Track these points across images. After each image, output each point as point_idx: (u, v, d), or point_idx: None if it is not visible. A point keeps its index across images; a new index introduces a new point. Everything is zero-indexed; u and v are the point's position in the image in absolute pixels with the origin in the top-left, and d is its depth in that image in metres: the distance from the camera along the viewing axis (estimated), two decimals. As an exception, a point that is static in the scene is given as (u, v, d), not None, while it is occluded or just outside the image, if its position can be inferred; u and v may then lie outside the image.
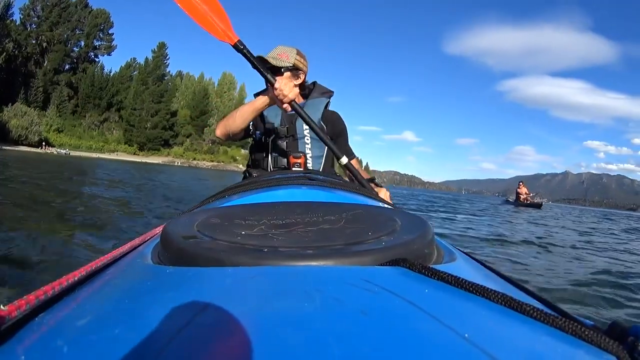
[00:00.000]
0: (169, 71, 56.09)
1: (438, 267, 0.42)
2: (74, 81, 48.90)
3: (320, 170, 1.67)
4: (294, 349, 0.27)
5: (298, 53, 1.64)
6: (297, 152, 1.58)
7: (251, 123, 1.64)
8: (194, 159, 55.57)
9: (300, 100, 1.69)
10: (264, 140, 1.69)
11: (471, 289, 0.38)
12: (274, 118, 1.68)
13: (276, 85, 1.34)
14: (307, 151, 1.66)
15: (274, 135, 1.65)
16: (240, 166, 58.53)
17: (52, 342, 0.32)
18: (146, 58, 53.54)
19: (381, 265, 0.43)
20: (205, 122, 59.11)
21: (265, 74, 1.36)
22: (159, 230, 0.72)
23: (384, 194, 1.39)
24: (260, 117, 1.67)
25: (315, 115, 1.63)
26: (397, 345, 0.27)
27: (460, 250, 0.68)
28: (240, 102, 64.03)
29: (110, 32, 52.64)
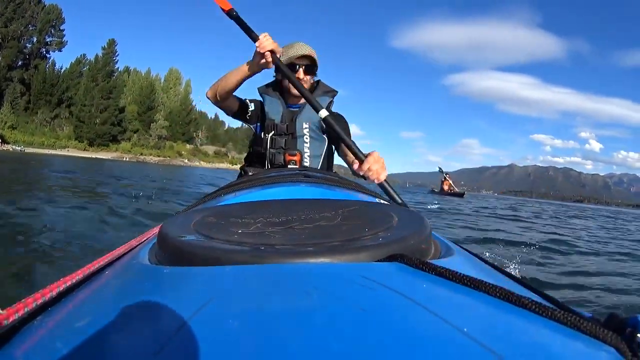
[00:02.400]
0: (117, 67, 61.93)
1: (435, 262, 0.44)
2: (26, 77, 53.21)
3: (318, 169, 1.74)
4: (294, 347, 0.28)
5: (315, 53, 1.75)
6: (293, 149, 1.69)
7: (250, 109, 1.77)
8: (142, 154, 61.93)
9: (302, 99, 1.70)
10: (263, 136, 1.76)
11: (469, 283, 0.39)
12: (275, 114, 1.76)
13: (260, 39, 1.49)
14: (306, 150, 1.74)
15: (273, 132, 1.73)
16: (186, 160, 66.38)
17: (50, 345, 0.34)
18: (96, 55, 58.90)
19: (379, 261, 0.45)
20: (152, 118, 65.53)
21: (249, 31, 1.54)
22: (155, 230, 0.75)
23: (374, 157, 1.32)
24: (261, 112, 1.79)
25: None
26: (398, 340, 0.29)
27: (458, 245, 0.72)
28: (186, 98, 71.71)
29: (61, 28, 57.39)
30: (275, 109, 1.77)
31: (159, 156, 64.08)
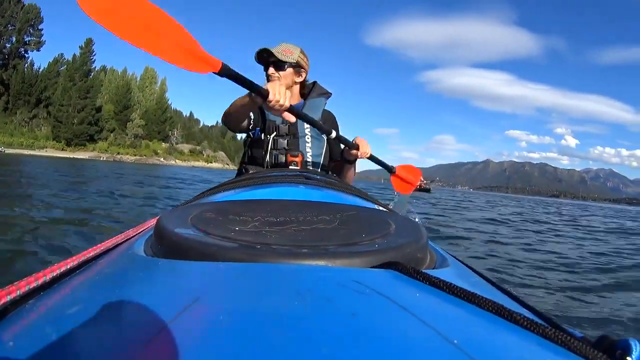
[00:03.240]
0: (95, 67, 64.33)
1: (430, 272, 0.45)
2: (5, 78, 55.15)
3: (319, 168, 1.82)
4: (282, 348, 0.28)
5: (302, 52, 1.80)
6: (295, 150, 1.73)
7: (252, 119, 1.77)
8: (118, 153, 64.57)
9: (299, 100, 1.83)
10: (264, 138, 1.79)
11: (462, 295, 0.40)
12: (276, 116, 1.75)
13: (270, 97, 1.27)
14: (308, 149, 1.80)
15: (275, 133, 1.77)
16: (162, 159, 69.68)
17: (40, 328, 0.35)
18: (74, 55, 60.94)
19: (374, 267, 0.46)
20: (128, 117, 68.30)
21: (257, 88, 1.26)
22: (153, 222, 0.77)
23: (361, 142, 1.81)
24: (261, 114, 1.81)
25: (316, 115, 1.76)
26: (386, 348, 0.29)
27: (453, 257, 0.73)
28: (161, 96, 74.90)
29: (40, 27, 59.51)
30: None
31: (135, 155, 66.83)
